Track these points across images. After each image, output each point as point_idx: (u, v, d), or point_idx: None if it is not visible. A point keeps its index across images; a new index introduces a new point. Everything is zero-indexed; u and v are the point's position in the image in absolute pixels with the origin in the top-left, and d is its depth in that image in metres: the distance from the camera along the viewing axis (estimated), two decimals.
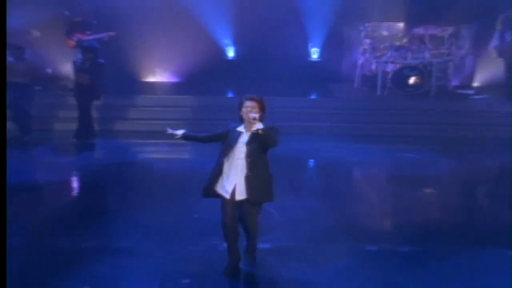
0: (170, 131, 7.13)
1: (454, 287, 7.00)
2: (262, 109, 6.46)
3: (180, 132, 6.99)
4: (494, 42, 15.41)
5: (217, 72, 16.45)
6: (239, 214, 6.85)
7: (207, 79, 16.29)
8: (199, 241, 7.92)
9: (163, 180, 11.49)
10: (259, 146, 6.47)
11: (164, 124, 14.06)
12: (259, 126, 6.31)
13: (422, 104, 15.22)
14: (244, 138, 6.50)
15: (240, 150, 6.52)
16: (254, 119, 6.28)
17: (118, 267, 7.18)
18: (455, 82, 16.18)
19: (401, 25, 16.36)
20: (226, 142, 6.59)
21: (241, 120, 6.48)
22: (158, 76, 17.19)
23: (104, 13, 15.65)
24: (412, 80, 15.30)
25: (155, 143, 13.99)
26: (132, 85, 16.32)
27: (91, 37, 15.01)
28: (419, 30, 15.82)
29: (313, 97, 16.37)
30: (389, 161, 12.92)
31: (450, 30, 15.70)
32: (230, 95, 16.14)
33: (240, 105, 6.47)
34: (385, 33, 16.29)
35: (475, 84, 16.43)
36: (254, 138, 6.42)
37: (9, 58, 13.38)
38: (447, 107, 15.08)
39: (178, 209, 9.29)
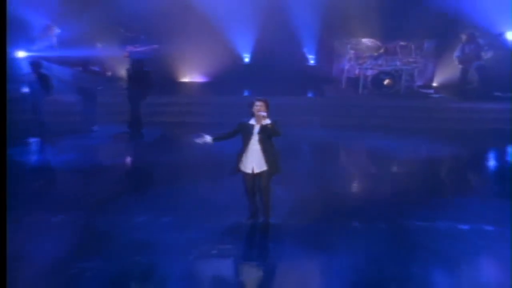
0: (199, 140, 8.53)
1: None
2: (267, 107, 7.78)
3: (209, 138, 8.36)
4: (457, 53, 16.31)
5: (235, 74, 17.34)
6: (257, 188, 8.30)
7: (227, 79, 17.28)
8: (226, 217, 9.00)
9: (196, 163, 12.36)
10: (267, 133, 7.85)
11: (194, 115, 15.64)
12: (267, 121, 7.72)
13: (393, 101, 16.44)
14: (256, 129, 7.81)
15: (254, 138, 7.83)
16: (264, 117, 7.69)
17: (164, 239, 8.20)
18: (419, 83, 17.37)
19: (378, 40, 17.28)
20: (244, 133, 7.93)
21: (252, 115, 7.81)
22: (190, 77, 18.38)
23: (150, 30, 17.06)
24: (386, 82, 16.64)
25: (188, 131, 14.50)
26: (170, 84, 17.57)
27: (139, 49, 16.63)
28: (392, 44, 16.98)
29: (309, 95, 17.58)
30: (366, 146, 14.38)
31: (416, 43, 16.94)
32: (245, 93, 17.36)
33: (251, 104, 7.81)
34: (366, 46, 17.22)
35: (434, 85, 17.68)
36: (264, 129, 7.75)
37: (79, 68, 15.04)
38: (412, 104, 16.31)
39: (209, 189, 10.21)
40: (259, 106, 7.72)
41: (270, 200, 8.42)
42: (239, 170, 8.16)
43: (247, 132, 7.91)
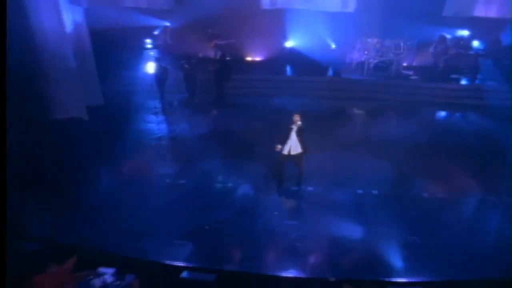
0: (277, 149, 10.14)
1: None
2: (301, 117, 10.07)
3: (279, 146, 10.17)
4: (431, 49, 17.94)
5: (281, 54, 19.09)
6: (294, 162, 10.30)
7: (277, 59, 19.06)
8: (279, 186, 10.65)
9: (261, 134, 13.03)
10: (300, 131, 10.08)
11: (259, 88, 17.51)
12: (300, 123, 10.08)
13: (386, 80, 17.81)
14: (294, 129, 10.15)
15: (293, 134, 10.14)
16: (298, 121, 10.03)
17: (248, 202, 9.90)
18: (404, 69, 18.50)
19: (378, 38, 18.09)
20: (287, 131, 10.15)
21: (293, 121, 10.08)
22: (252, 57, 19.84)
23: (229, 29, 18.35)
24: (382, 68, 18.16)
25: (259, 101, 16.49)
26: (240, 64, 18.76)
27: (221, 42, 18.42)
28: (388, 41, 18.09)
29: (330, 74, 18.44)
30: (367, 112, 16.16)
31: (403, 41, 17.96)
32: (287, 70, 18.73)
33: (292, 116, 10.07)
34: (370, 42, 18.17)
35: (414, 70, 18.58)
36: (299, 129, 10.09)
37: (183, 61, 16.56)
38: (398, 82, 17.73)
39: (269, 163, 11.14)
40: (297, 116, 10.16)
41: (304, 170, 10.56)
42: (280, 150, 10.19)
43: (289, 131, 10.22)
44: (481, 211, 9.85)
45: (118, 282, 7.22)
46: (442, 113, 16.52)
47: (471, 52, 17.62)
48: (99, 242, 8.35)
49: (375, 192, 10.48)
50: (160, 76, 16.26)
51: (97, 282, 7.17)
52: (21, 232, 8.07)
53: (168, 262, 7.87)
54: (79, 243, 8.07)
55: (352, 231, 8.94)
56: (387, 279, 7.64)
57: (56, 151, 11.57)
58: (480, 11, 14.13)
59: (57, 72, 13.48)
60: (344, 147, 12.38)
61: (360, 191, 10.53)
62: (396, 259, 8.30)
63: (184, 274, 7.44)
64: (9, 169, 8.27)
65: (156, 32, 18.73)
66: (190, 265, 7.81)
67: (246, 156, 11.96)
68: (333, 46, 19.34)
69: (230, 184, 10.84)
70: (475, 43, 17.66)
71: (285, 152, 10.30)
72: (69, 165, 11.20)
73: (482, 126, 14.71)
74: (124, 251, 7.97)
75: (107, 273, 7.28)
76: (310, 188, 10.72)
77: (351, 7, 14.80)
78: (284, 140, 10.25)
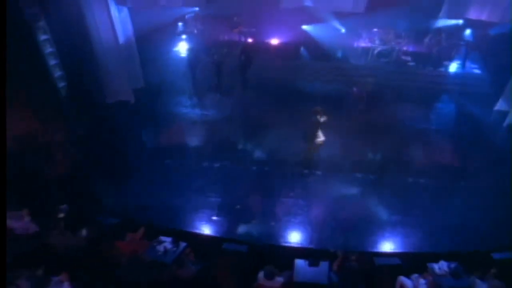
0: (319, 142, 11.17)
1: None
2: (322, 111, 11.12)
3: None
4: (426, 40, 18.72)
5: (297, 42, 19.32)
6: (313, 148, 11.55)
7: (294, 43, 19.31)
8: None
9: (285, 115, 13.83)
10: (320, 124, 11.07)
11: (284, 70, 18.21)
12: (318, 117, 11.02)
13: (387, 66, 18.47)
14: (315, 121, 11.16)
15: (314, 126, 11.23)
16: (319, 116, 11.05)
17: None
18: (402, 55, 18.83)
19: (381, 29, 18.72)
20: (311, 124, 11.28)
21: (314, 114, 11.02)
22: (272, 43, 19.85)
23: (251, 18, 18.95)
24: (385, 55, 18.70)
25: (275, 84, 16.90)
26: (261, 49, 18.86)
27: (244, 29, 19.08)
28: (389, 32, 18.66)
29: (339, 55, 19.02)
30: (368, 91, 16.18)
31: (403, 31, 18.54)
32: (303, 53, 19.15)
33: (312, 107, 11.13)
34: (375, 32, 18.78)
35: (411, 57, 18.91)
36: (318, 122, 11.07)
37: (213, 51, 17.20)
38: (397, 68, 18.32)
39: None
40: (319, 111, 11.20)
41: (317, 155, 11.80)
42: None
43: (311, 122, 11.40)
44: (460, 192, 11.07)
45: (175, 249, 9.36)
46: (434, 96, 17.10)
47: (461, 44, 18.30)
48: (159, 217, 10.12)
49: (372, 176, 11.72)
50: (192, 61, 17.39)
51: (159, 248, 9.35)
52: (103, 208, 10.13)
53: (210, 234, 9.88)
54: (145, 218, 10.01)
55: (352, 211, 10.29)
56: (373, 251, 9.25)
57: (115, 135, 12.99)
58: (472, 15, 15.19)
59: (109, 63, 15.37)
60: (345, 128, 13.34)
61: (359, 175, 11.75)
62: (381, 234, 9.64)
63: (224, 245, 9.18)
64: (87, 154, 10.63)
65: (187, 20, 19.18)
66: (227, 237, 9.51)
67: (265, 137, 12.82)
68: (343, 32, 19.74)
69: (254, 168, 12.09)
70: (465, 37, 18.30)
71: (309, 140, 11.59)
72: (129, 149, 12.73)
73: (465, 109, 15.73)
74: (178, 225, 9.98)
75: (166, 241, 9.41)
76: (318, 172, 11.99)
77: (360, 8, 15.87)
78: (307, 130, 11.56)
